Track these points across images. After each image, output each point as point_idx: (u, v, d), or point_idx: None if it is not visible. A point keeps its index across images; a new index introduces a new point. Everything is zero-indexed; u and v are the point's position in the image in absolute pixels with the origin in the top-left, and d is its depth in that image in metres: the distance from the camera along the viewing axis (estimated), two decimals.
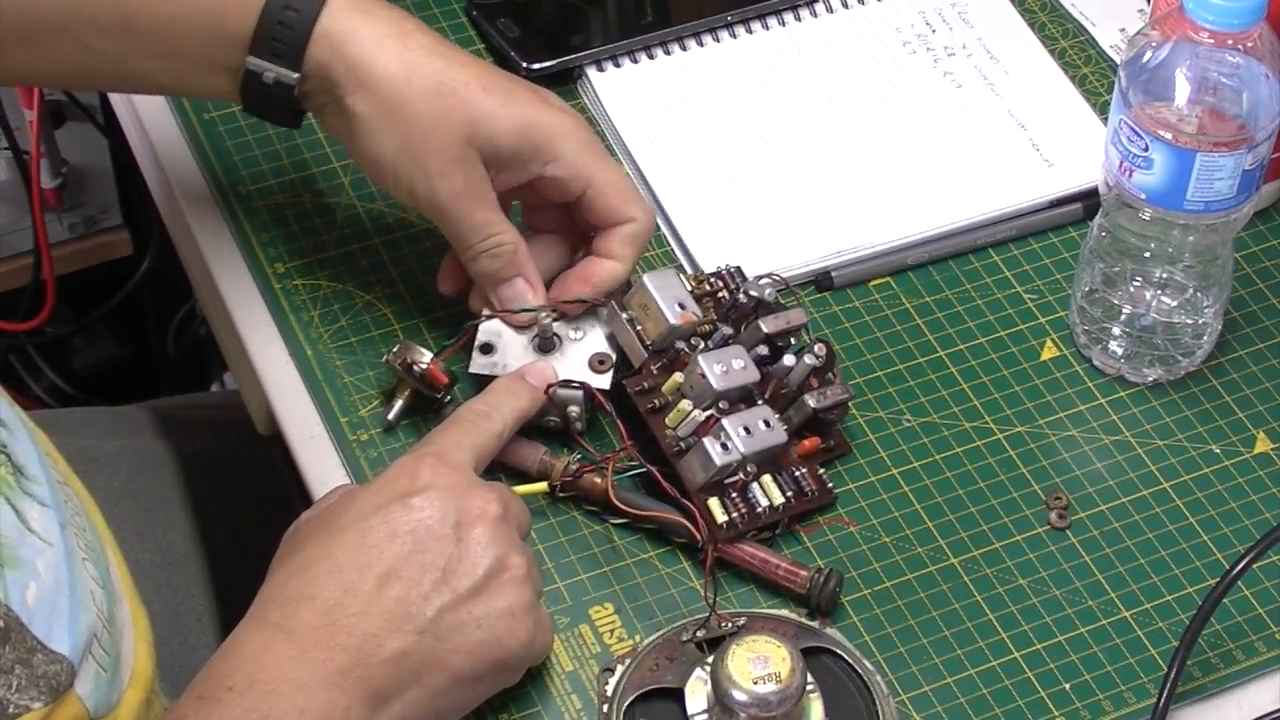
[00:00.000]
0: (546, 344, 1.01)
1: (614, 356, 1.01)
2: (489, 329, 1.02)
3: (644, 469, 0.97)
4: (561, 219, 1.04)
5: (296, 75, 0.98)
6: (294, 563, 0.87)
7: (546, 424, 1.01)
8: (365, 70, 0.98)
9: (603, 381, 1.00)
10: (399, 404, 1.01)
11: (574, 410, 1.00)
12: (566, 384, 0.99)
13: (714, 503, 0.96)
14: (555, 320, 1.01)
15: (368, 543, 0.87)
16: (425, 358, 1.00)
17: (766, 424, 0.97)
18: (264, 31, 0.98)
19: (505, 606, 0.88)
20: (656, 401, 0.99)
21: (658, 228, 1.12)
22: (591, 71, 1.18)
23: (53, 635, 0.81)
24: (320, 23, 0.98)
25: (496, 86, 0.99)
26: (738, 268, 1.06)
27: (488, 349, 1.01)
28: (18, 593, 0.79)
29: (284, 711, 0.82)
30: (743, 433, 0.96)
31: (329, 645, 0.84)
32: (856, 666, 0.92)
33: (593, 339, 1.02)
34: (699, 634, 0.93)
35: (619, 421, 0.98)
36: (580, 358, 1.01)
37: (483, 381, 1.00)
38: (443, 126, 0.98)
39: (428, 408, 1.01)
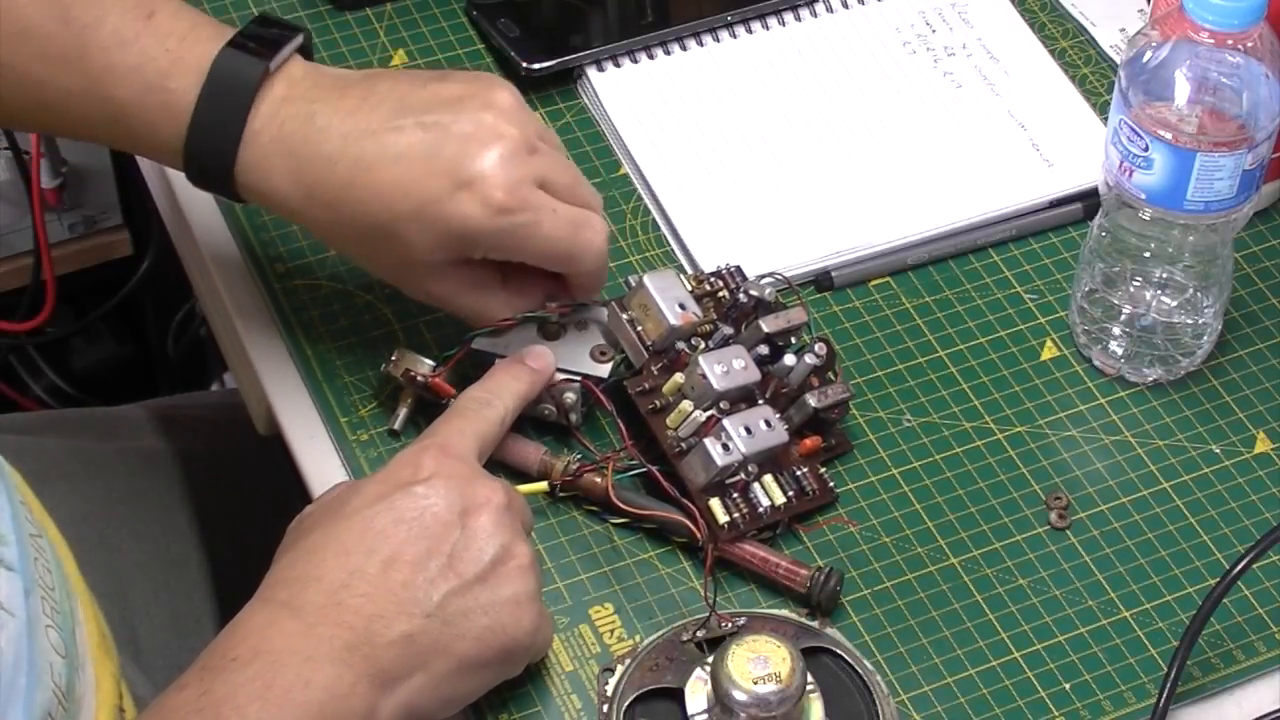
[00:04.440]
0: (550, 332, 1.01)
1: (613, 350, 1.01)
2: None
3: (645, 469, 0.97)
4: None
5: (237, 198, 0.98)
6: (300, 548, 0.87)
7: (542, 414, 1.01)
8: (306, 217, 0.97)
9: (602, 370, 1.00)
10: (403, 412, 1.01)
11: (570, 398, 1.00)
12: (562, 372, 1.00)
13: (715, 503, 0.96)
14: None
15: (374, 528, 0.87)
16: (425, 367, 1.00)
17: (767, 424, 0.97)
18: (193, 166, 0.97)
19: (511, 594, 0.88)
20: (657, 402, 0.99)
21: (657, 227, 1.12)
22: (591, 71, 1.18)
23: (8, 716, 0.78)
24: (239, 165, 0.96)
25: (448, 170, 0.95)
26: (738, 267, 1.06)
27: (495, 331, 1.01)
28: None
29: (289, 682, 0.82)
30: (744, 433, 0.96)
31: (335, 623, 0.84)
32: (856, 666, 0.92)
33: (596, 329, 1.02)
34: (699, 634, 0.93)
35: (619, 421, 0.98)
36: (582, 347, 1.01)
37: (484, 363, 1.00)
38: (423, 246, 0.96)
39: (432, 410, 1.01)
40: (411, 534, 0.87)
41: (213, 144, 0.95)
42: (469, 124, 0.94)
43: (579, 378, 1.00)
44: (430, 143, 0.94)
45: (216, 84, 0.95)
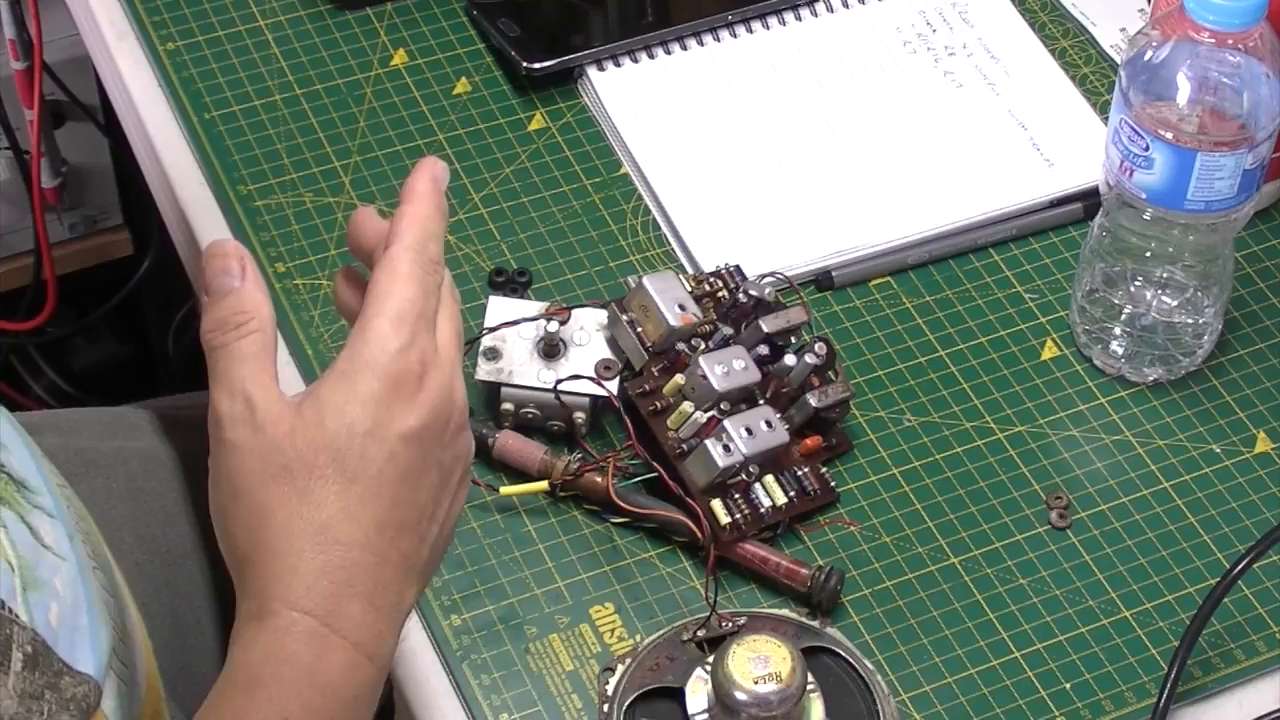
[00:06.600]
0: (551, 350, 1.01)
1: (620, 364, 1.01)
2: (494, 334, 1.02)
3: (656, 474, 0.96)
4: None
5: None
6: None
7: (551, 428, 1.01)
8: None
9: (609, 389, 1.00)
10: None
11: (580, 416, 1.00)
12: (575, 378, 0.99)
13: (717, 504, 0.96)
14: (560, 326, 1.01)
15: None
16: None
17: (768, 424, 0.97)
18: None
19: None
20: (658, 403, 0.99)
21: (657, 227, 1.12)
22: (592, 71, 1.18)
23: (76, 656, 0.79)
24: None
25: None
26: (737, 267, 1.06)
27: (493, 355, 1.01)
28: (41, 615, 0.77)
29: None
30: (744, 434, 0.96)
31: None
32: (857, 666, 0.92)
33: (597, 345, 1.02)
34: (699, 633, 0.93)
35: (628, 420, 0.98)
36: (585, 364, 1.01)
37: (490, 388, 1.00)
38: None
39: None
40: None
41: None
42: None
43: (588, 396, 1.00)
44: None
45: None
